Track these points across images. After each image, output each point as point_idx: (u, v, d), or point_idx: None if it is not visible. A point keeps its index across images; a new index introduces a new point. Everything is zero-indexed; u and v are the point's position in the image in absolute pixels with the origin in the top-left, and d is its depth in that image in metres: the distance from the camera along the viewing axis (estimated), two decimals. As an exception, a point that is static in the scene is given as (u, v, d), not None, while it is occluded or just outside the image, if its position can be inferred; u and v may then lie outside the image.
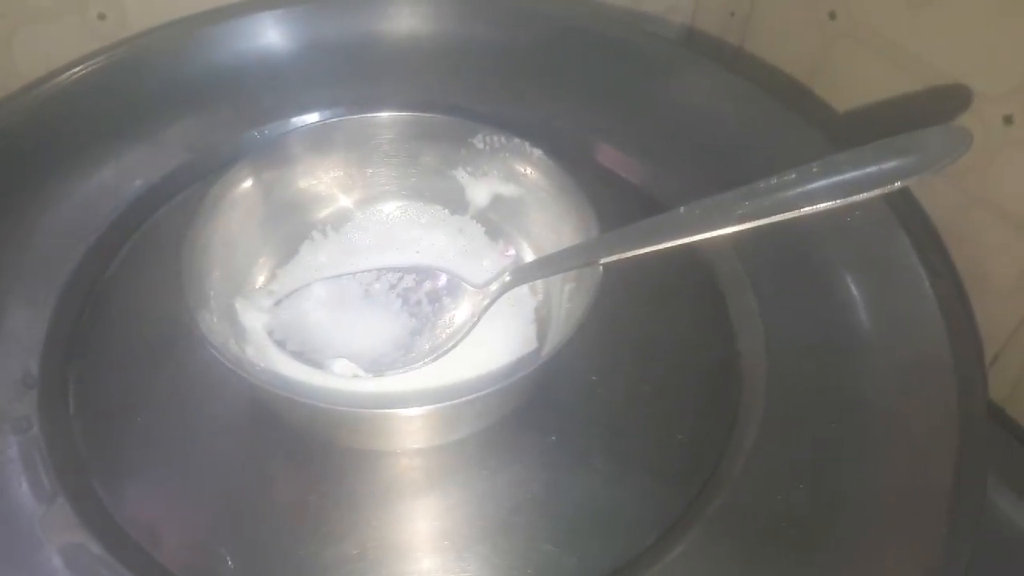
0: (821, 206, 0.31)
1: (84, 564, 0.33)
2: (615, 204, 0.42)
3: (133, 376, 0.40)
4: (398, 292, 0.40)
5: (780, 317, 0.42)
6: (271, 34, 0.53)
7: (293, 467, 0.37)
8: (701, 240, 0.33)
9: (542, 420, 0.38)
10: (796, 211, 0.32)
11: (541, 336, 0.40)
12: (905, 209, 0.46)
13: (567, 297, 0.39)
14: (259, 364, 0.37)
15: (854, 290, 0.42)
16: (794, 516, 0.35)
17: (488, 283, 0.39)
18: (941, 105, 0.48)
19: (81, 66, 0.50)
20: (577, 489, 0.37)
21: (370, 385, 0.37)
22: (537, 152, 0.41)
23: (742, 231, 0.33)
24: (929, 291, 0.42)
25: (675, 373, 0.41)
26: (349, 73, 0.53)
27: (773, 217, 0.32)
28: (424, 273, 0.40)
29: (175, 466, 0.37)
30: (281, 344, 0.38)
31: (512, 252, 0.43)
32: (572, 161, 0.40)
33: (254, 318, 0.38)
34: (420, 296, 0.40)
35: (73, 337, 0.41)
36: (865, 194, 0.31)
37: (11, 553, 0.33)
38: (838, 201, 0.31)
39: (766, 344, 0.40)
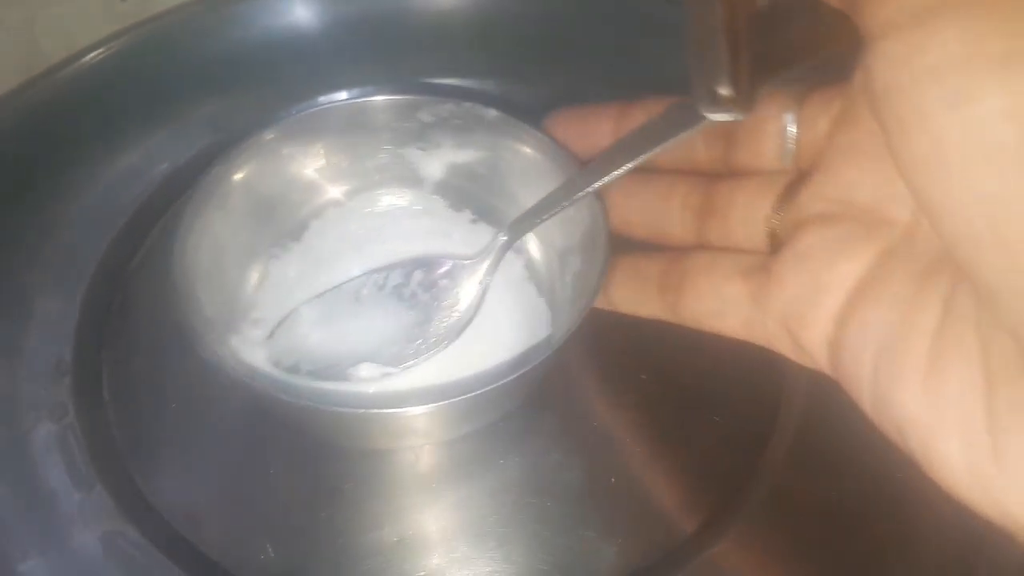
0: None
1: (123, 551, 0.34)
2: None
3: (166, 362, 0.40)
4: (389, 291, 0.39)
5: None
6: (297, 11, 0.52)
7: (329, 455, 0.37)
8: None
9: (580, 407, 0.38)
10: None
11: (555, 320, 0.39)
12: None
13: (572, 279, 0.38)
14: (286, 378, 0.36)
15: None
16: (840, 506, 0.35)
17: (484, 249, 0.38)
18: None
19: (104, 47, 0.50)
20: (616, 476, 0.37)
21: (385, 385, 0.36)
22: (492, 112, 0.39)
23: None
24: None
25: (715, 358, 0.39)
26: (378, 50, 0.52)
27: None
28: (409, 265, 0.39)
29: (211, 453, 0.38)
30: (295, 370, 0.36)
31: (476, 218, 0.42)
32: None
33: (253, 354, 0.37)
34: (413, 288, 0.39)
35: (104, 323, 0.41)
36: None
37: (51, 540, 0.34)
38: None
39: None
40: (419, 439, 0.37)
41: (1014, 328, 0.21)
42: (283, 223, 0.41)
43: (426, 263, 0.39)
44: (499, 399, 0.35)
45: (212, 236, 0.37)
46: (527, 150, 0.39)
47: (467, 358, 0.37)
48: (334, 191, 0.42)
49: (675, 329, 0.39)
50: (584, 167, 0.36)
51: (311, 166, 0.40)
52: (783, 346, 0.30)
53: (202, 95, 0.49)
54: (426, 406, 0.31)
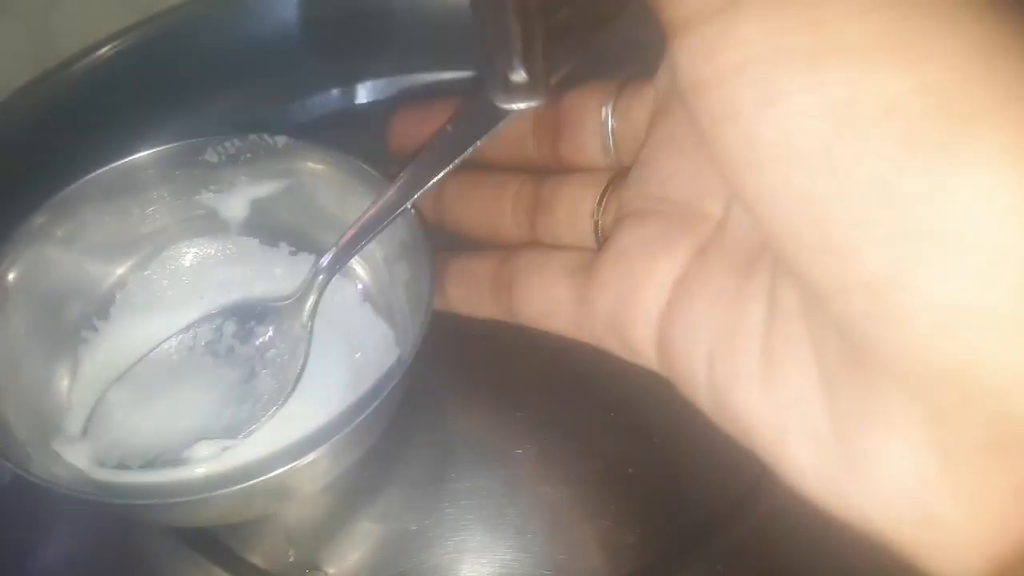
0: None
1: None
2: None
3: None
4: (202, 352, 0.36)
5: None
6: (312, 2, 0.49)
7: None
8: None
9: (600, 395, 0.38)
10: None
11: (398, 336, 0.37)
12: None
13: (404, 289, 0.36)
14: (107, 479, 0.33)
15: None
16: None
17: (301, 288, 0.35)
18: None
19: (119, 40, 0.48)
20: (634, 466, 0.36)
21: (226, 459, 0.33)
22: (281, 139, 0.37)
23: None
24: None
25: None
26: (396, 43, 0.50)
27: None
28: (215, 318, 0.36)
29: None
30: (124, 467, 0.33)
31: (295, 249, 0.40)
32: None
33: (76, 456, 0.33)
34: (228, 342, 0.36)
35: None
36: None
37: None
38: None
39: None
40: (293, 496, 0.35)
41: (842, 326, 0.20)
42: (84, 304, 0.37)
43: (235, 312, 0.36)
44: (360, 436, 0.33)
45: (2, 346, 0.33)
46: (327, 170, 0.37)
47: (312, 402, 0.35)
48: (133, 257, 0.38)
49: None
50: (391, 181, 0.34)
51: (98, 240, 0.37)
52: (613, 346, 0.29)
53: (217, 87, 0.48)
54: (290, 464, 0.28)
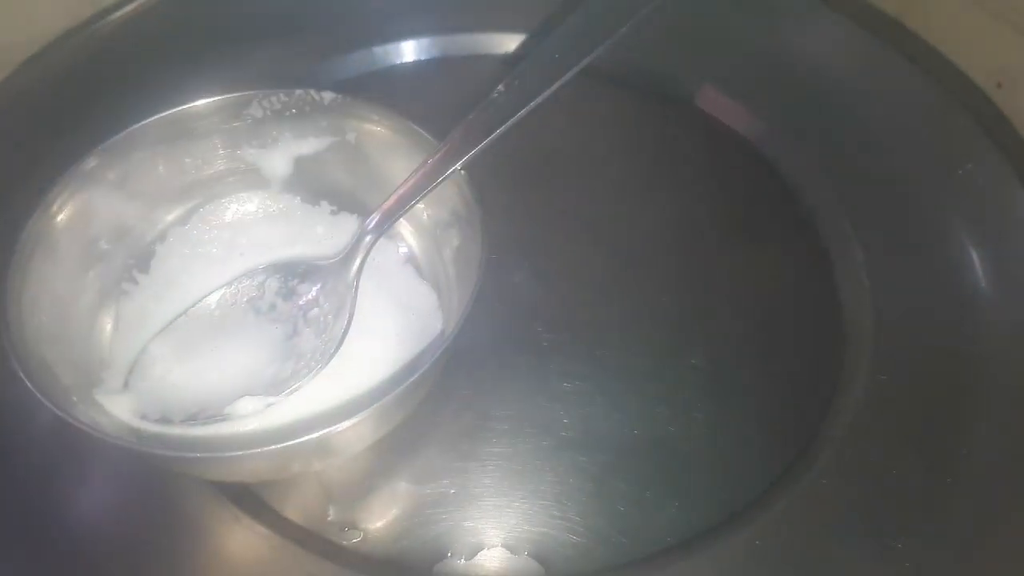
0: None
1: None
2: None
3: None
4: (243, 308, 0.35)
5: (887, 274, 0.40)
6: None
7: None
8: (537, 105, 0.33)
9: (640, 371, 0.38)
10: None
11: (442, 302, 0.37)
12: (1022, 162, 0.42)
13: (452, 255, 0.36)
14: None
15: (968, 248, 0.41)
16: (904, 475, 0.35)
17: (347, 248, 0.35)
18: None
19: None
20: (677, 441, 0.36)
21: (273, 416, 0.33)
22: (328, 95, 0.36)
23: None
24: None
25: (775, 329, 0.40)
26: (434, 1, 0.50)
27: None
28: (258, 275, 0.36)
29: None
30: (166, 421, 0.32)
31: (336, 209, 0.39)
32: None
33: (119, 407, 0.33)
34: (271, 299, 0.36)
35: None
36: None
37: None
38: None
39: (872, 302, 0.39)
40: (334, 456, 0.35)
41: None
42: (126, 256, 0.37)
43: (279, 269, 0.36)
44: (404, 402, 0.33)
45: (49, 291, 0.33)
46: (375, 128, 0.37)
47: (357, 363, 0.34)
48: (174, 211, 0.38)
49: (735, 298, 0.40)
50: (442, 142, 0.34)
51: (144, 188, 0.36)
52: None
53: (255, 41, 0.47)
54: (334, 426, 0.28)
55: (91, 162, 0.34)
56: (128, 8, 0.47)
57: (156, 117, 0.35)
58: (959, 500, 0.34)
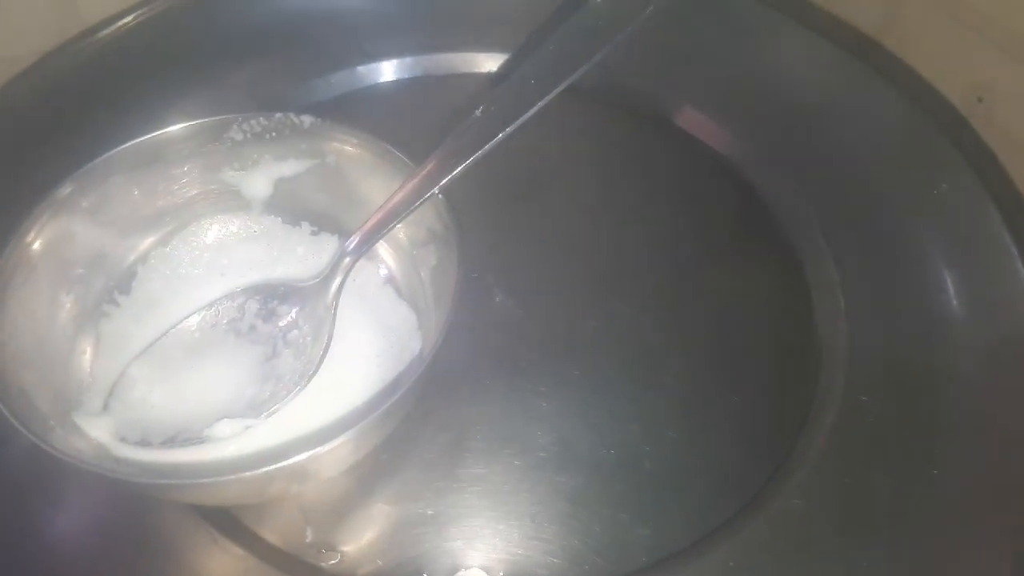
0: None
1: None
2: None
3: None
4: (224, 329, 0.36)
5: (861, 290, 0.41)
6: None
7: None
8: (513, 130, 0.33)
9: (616, 391, 0.38)
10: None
11: (421, 322, 0.37)
12: (997, 183, 0.43)
13: (429, 275, 0.36)
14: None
15: (940, 266, 0.41)
16: (877, 495, 0.35)
17: (326, 269, 0.35)
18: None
19: (143, 9, 0.49)
20: (652, 461, 0.36)
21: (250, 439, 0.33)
22: (308, 119, 0.36)
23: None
24: (1020, 269, 0.40)
25: (750, 349, 0.40)
26: (415, 20, 0.51)
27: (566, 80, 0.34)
28: (238, 297, 0.36)
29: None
30: (145, 443, 0.33)
31: (316, 229, 0.39)
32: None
33: (97, 430, 0.33)
34: (250, 321, 0.36)
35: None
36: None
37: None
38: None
39: (846, 317, 0.40)
40: (313, 479, 0.35)
41: None
42: (107, 278, 0.37)
43: (259, 291, 0.36)
44: (383, 424, 0.33)
45: (28, 316, 0.33)
46: (354, 151, 0.37)
47: (336, 384, 0.35)
48: (155, 233, 0.38)
49: (711, 314, 0.40)
50: (419, 166, 0.34)
51: (122, 213, 0.37)
52: None
53: (239, 60, 0.48)
54: (312, 450, 0.28)
55: (66, 189, 0.34)
56: (109, 29, 0.47)
57: (133, 142, 0.35)
58: (930, 521, 0.34)
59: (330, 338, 0.34)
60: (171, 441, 0.33)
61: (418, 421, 0.36)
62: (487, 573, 0.34)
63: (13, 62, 0.46)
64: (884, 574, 0.33)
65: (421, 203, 0.34)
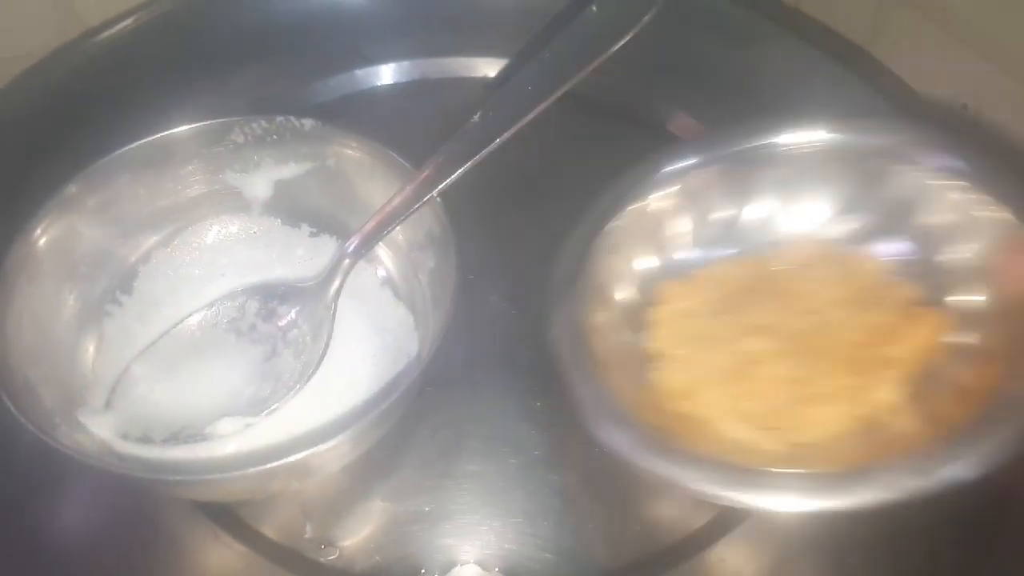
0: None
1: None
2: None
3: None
4: (224, 328, 0.36)
5: None
6: None
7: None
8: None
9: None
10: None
11: (418, 323, 0.38)
12: None
13: (427, 278, 0.37)
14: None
15: None
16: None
17: (326, 270, 0.36)
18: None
19: (144, 11, 0.49)
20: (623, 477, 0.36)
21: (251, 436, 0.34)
22: (308, 123, 0.37)
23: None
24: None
25: None
26: (414, 25, 0.51)
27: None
28: (239, 297, 0.37)
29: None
30: (147, 440, 0.33)
31: (315, 231, 0.40)
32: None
33: (102, 426, 0.34)
34: (251, 320, 0.36)
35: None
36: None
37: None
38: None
39: None
40: (313, 476, 0.36)
41: None
42: (110, 278, 0.38)
43: (259, 291, 0.37)
44: (381, 423, 0.33)
45: (32, 315, 0.34)
46: (354, 154, 0.38)
47: (334, 383, 0.36)
48: (157, 234, 0.39)
49: None
50: (418, 169, 0.35)
51: (125, 213, 0.37)
52: None
53: (241, 62, 0.49)
54: (312, 448, 0.29)
55: (73, 187, 0.35)
56: (109, 32, 0.48)
57: (139, 143, 0.36)
58: (913, 533, 0.35)
59: (329, 338, 0.35)
60: (173, 438, 0.33)
61: (416, 420, 0.37)
62: (482, 568, 0.34)
63: (14, 63, 0.47)
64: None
65: (420, 206, 0.34)
